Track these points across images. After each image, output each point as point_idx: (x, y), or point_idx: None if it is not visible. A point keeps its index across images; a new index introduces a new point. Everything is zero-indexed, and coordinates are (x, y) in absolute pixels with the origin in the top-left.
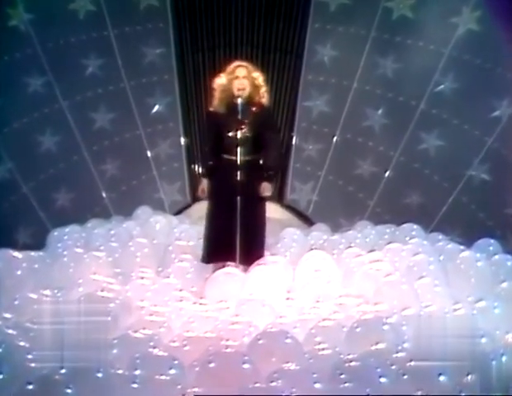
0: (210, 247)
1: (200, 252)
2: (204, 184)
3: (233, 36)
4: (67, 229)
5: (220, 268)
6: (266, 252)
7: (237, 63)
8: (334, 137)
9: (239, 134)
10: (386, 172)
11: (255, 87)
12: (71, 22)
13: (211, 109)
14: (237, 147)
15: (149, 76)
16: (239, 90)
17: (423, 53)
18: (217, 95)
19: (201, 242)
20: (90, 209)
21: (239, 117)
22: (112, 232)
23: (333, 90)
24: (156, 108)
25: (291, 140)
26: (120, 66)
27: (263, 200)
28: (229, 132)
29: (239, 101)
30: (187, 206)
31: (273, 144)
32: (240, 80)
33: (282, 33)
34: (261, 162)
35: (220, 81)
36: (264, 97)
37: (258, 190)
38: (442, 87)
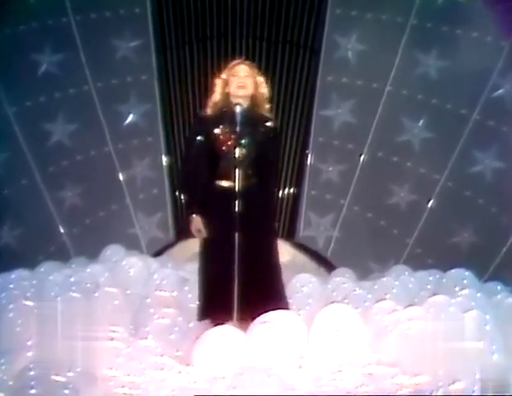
0: (206, 301)
1: (188, 305)
2: (197, 222)
3: (229, 25)
4: (12, 276)
5: (214, 326)
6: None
7: (239, 60)
8: (360, 155)
9: (237, 152)
10: (428, 201)
11: (259, 94)
12: (20, 6)
13: (202, 114)
14: (235, 168)
15: (121, 76)
16: (239, 87)
17: (477, 47)
18: (213, 99)
19: (188, 291)
20: (43, 249)
21: (237, 129)
22: (72, 279)
23: (359, 94)
24: (130, 118)
25: (306, 160)
26: (84, 63)
27: (270, 235)
28: (223, 148)
29: (238, 109)
30: (170, 245)
31: (271, 172)
32: (241, 78)
33: (294, 22)
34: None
35: (218, 81)
36: (267, 108)
37: (261, 223)
38: (501, 91)
